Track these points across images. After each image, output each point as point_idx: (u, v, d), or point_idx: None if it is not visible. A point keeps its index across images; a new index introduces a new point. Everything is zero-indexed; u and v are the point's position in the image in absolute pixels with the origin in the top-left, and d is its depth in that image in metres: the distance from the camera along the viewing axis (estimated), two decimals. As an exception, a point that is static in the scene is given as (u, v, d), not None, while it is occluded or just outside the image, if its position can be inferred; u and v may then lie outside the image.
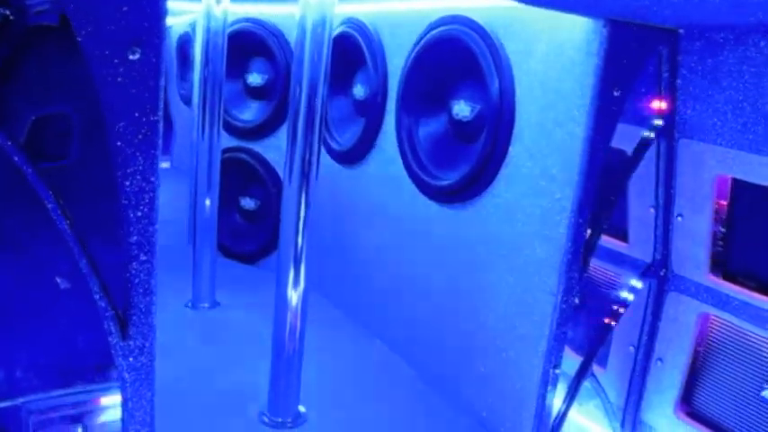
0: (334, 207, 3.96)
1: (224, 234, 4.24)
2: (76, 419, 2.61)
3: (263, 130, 4.43)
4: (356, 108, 3.88)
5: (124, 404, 1.75)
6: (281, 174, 4.34)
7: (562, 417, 2.68)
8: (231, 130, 4.45)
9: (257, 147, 4.47)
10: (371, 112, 3.62)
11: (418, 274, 3.33)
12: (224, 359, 3.27)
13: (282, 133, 4.28)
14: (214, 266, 3.89)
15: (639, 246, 2.81)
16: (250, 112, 4.50)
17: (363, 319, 3.78)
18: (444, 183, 3.07)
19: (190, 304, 3.85)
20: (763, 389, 2.45)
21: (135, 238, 1.60)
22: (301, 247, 2.67)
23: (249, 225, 4.62)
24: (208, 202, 3.80)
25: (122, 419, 1.76)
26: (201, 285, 3.88)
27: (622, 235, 2.91)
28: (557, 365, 2.57)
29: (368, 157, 3.72)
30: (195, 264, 3.85)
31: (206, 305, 3.87)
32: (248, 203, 4.55)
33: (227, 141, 4.32)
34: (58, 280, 1.80)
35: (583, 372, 2.70)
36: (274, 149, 4.38)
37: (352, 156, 3.81)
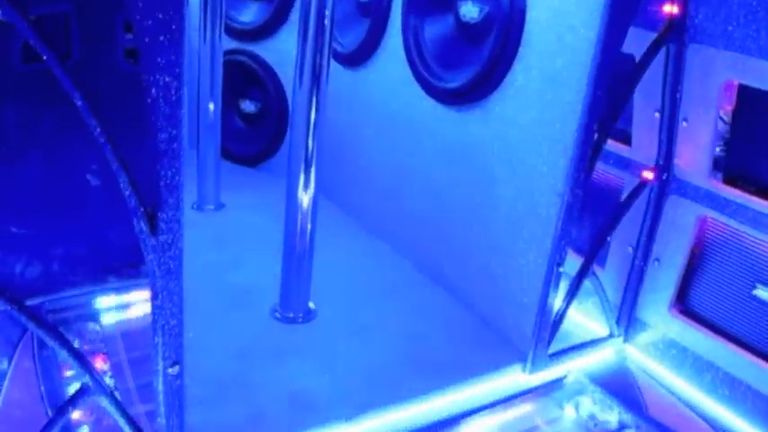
0: (337, 110, 3.95)
1: (224, 137, 4.25)
2: (94, 318, 2.73)
3: (263, 31, 4.35)
4: (360, 8, 3.81)
5: (154, 298, 1.82)
6: (281, 76, 4.31)
7: (562, 314, 2.81)
8: (230, 32, 4.36)
9: (257, 49, 4.41)
10: (376, 12, 3.57)
11: (424, 176, 3.38)
12: (233, 258, 3.36)
13: (283, 35, 4.22)
14: (218, 169, 3.93)
15: (642, 149, 2.86)
16: (250, 14, 4.40)
17: (369, 221, 3.86)
18: (451, 85, 3.08)
19: (195, 206, 3.91)
20: (754, 288, 2.57)
21: (163, 134, 1.63)
22: (312, 150, 2.71)
23: (249, 128, 4.61)
24: (211, 106, 3.79)
25: (153, 313, 1.83)
26: (206, 187, 3.93)
27: (626, 138, 2.96)
28: (560, 264, 2.67)
29: (372, 58, 3.68)
30: (199, 166, 3.88)
31: (211, 207, 3.94)
32: (248, 106, 4.52)
33: (227, 43, 4.25)
34: (89, 177, 1.84)
35: (584, 271, 2.81)
36: (274, 51, 4.32)
37: (357, 58, 3.77)
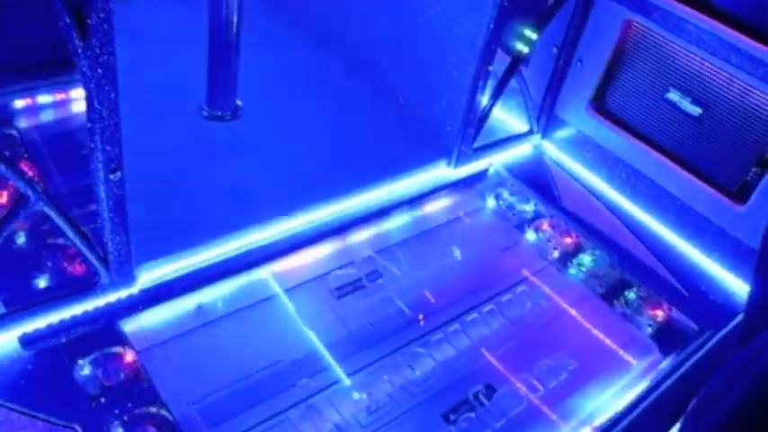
0: None
1: None
2: (9, 122, 2.59)
3: None
4: None
5: (90, 103, 1.75)
6: None
7: (488, 111, 2.90)
8: None
9: None
10: None
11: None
12: (153, 55, 3.18)
13: None
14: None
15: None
16: None
17: (295, 15, 3.69)
18: None
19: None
20: (667, 92, 2.72)
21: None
22: (236, -64, 2.51)
23: None
24: None
25: (89, 119, 1.77)
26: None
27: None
28: (490, 62, 2.71)
29: None
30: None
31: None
32: None
33: None
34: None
35: (511, 70, 2.87)
36: None
37: None
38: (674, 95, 2.70)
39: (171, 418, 1.89)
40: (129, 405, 1.90)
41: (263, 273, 2.39)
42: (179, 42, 3.07)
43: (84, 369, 1.97)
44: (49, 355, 1.97)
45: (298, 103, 3.11)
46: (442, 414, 2.10)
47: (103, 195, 1.90)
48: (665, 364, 2.39)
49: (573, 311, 2.55)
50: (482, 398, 2.17)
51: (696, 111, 2.65)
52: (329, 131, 2.98)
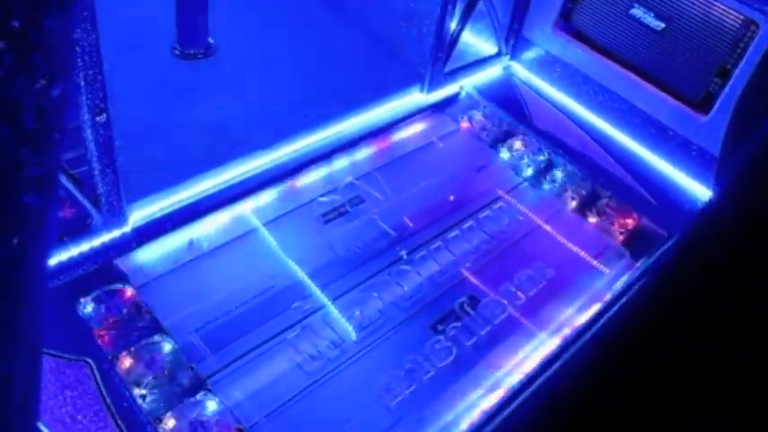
0: None
1: None
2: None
3: None
4: None
5: (70, 46, 1.78)
6: None
7: (457, 35, 2.95)
8: None
9: None
10: None
11: None
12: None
13: None
14: None
15: None
16: None
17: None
18: None
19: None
20: (632, 8, 2.79)
21: None
22: None
23: None
24: None
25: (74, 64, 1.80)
26: None
27: None
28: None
29: None
30: None
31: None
32: None
33: None
34: None
35: (477, -7, 2.91)
36: None
37: None
38: (637, 11, 2.77)
39: (176, 346, 2.00)
40: (135, 336, 2.00)
41: (246, 206, 2.46)
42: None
43: (87, 307, 2.05)
44: (51, 295, 2.04)
45: (268, 38, 3.12)
46: (431, 325, 2.24)
47: (91, 138, 1.95)
48: (637, 265, 2.55)
49: (548, 227, 2.68)
50: (467, 308, 2.31)
51: (659, 25, 2.73)
52: (302, 65, 3.01)
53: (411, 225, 2.55)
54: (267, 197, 2.50)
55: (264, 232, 2.41)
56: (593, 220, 2.72)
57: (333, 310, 2.22)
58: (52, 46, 0.54)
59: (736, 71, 2.57)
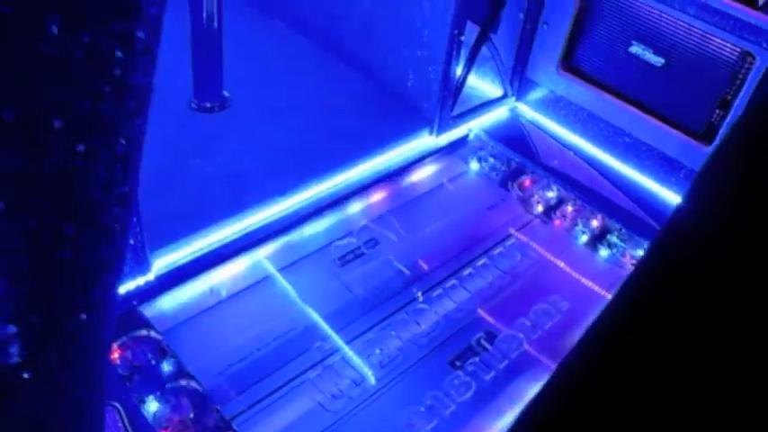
0: None
1: None
2: None
3: None
4: None
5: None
6: None
7: (463, 79, 3.05)
8: None
9: None
10: None
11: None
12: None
13: None
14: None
15: None
16: None
17: (269, 3, 3.80)
18: None
19: None
20: (630, 45, 2.88)
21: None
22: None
23: None
24: None
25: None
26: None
27: None
28: (461, 33, 2.85)
29: None
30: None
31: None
32: None
33: None
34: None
35: (482, 38, 3.02)
36: None
37: None
38: (636, 48, 2.86)
39: (201, 389, 2.04)
40: (161, 380, 2.04)
41: (263, 252, 2.52)
42: (168, 38, 3.16)
43: (114, 353, 2.11)
44: (78, 343, 2.10)
45: (281, 89, 3.23)
46: (449, 361, 2.27)
47: (116, 189, 2.03)
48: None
49: (560, 262, 2.72)
50: (484, 343, 2.34)
51: (659, 61, 2.81)
52: (313, 114, 3.11)
53: (426, 265, 2.60)
54: (283, 243, 2.57)
55: (280, 278, 2.46)
56: (604, 253, 2.76)
57: (352, 350, 2.26)
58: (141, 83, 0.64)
59: (737, 101, 2.64)
